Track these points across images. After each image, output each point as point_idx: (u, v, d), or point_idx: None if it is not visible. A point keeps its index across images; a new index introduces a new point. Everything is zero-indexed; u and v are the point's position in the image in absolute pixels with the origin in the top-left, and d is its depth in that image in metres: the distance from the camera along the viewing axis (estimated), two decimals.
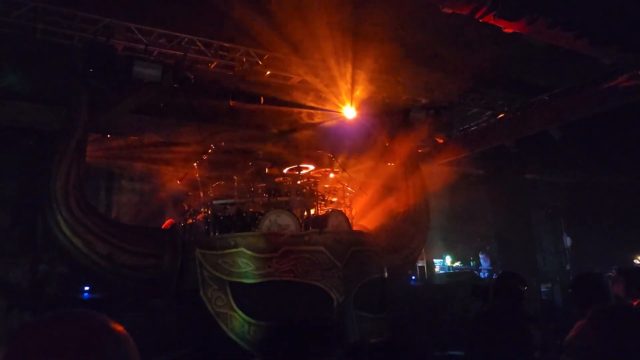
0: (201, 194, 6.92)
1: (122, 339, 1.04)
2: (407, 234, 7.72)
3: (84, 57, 6.92)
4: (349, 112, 9.14)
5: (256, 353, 5.47)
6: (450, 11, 6.47)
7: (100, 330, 1.02)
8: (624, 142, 10.28)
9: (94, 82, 6.93)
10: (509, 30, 6.73)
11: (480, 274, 12.31)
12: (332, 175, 7.71)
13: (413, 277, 11.57)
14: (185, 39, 7.81)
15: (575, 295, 3.83)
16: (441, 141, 11.37)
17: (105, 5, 7.14)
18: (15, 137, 8.85)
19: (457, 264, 13.00)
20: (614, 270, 5.55)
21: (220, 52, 8.16)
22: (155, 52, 7.64)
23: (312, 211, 6.92)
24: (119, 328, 1.05)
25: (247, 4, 6.74)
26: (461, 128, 11.52)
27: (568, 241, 13.12)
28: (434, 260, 12.64)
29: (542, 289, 10.60)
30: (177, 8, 7.18)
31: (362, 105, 9.09)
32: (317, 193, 7.12)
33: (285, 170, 7.40)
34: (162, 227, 7.21)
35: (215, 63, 8.17)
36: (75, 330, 1.00)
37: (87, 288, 7.58)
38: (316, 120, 9.63)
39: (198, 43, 7.92)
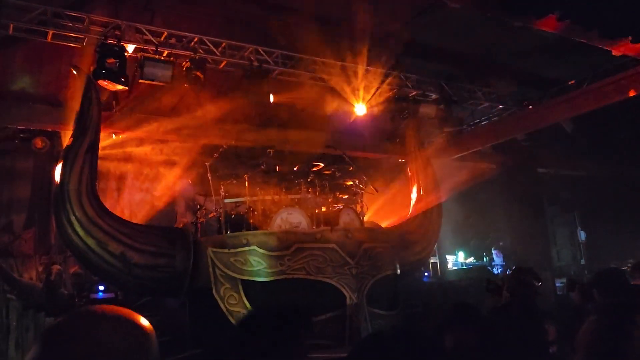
0: (212, 193, 6.94)
1: (147, 335, 1.06)
2: (419, 229, 7.68)
3: (96, 59, 6.99)
4: (360, 108, 9.10)
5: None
6: (456, 5, 6.43)
7: (129, 327, 1.05)
8: (637, 133, 10.14)
9: (106, 83, 7.01)
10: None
11: (494, 269, 12.21)
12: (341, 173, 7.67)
13: (426, 274, 11.51)
14: (195, 39, 7.83)
15: (597, 292, 3.76)
16: (452, 136, 11.30)
17: (115, 7, 7.19)
18: (28, 139, 8.95)
19: (470, 259, 12.90)
20: (629, 265, 5.49)
21: (230, 51, 8.19)
22: (166, 53, 7.67)
23: (324, 208, 6.91)
24: (144, 323, 1.08)
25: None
26: (472, 122, 11.45)
27: (582, 235, 12.97)
28: (447, 256, 12.58)
29: (557, 284, 10.48)
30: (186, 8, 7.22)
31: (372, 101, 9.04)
32: (328, 190, 7.10)
33: (296, 168, 7.39)
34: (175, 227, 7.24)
35: (224, 62, 8.19)
36: (105, 329, 1.02)
37: (101, 287, 7.67)
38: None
39: (207, 42, 7.95)
